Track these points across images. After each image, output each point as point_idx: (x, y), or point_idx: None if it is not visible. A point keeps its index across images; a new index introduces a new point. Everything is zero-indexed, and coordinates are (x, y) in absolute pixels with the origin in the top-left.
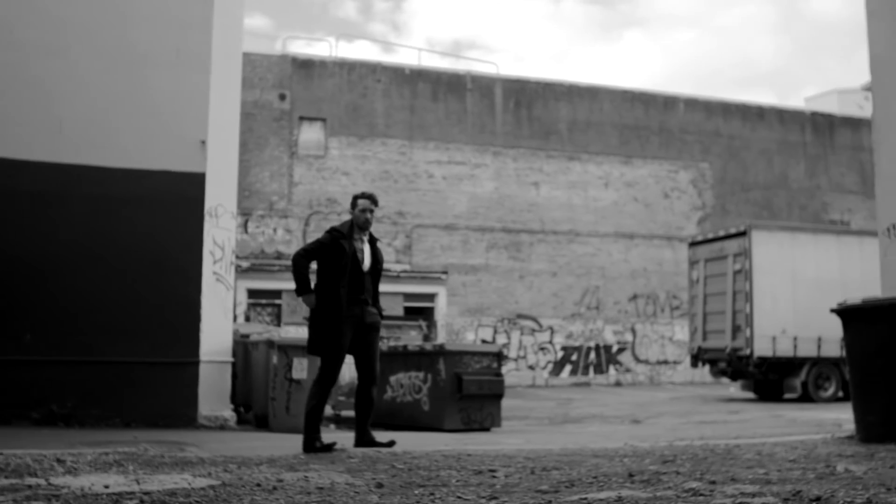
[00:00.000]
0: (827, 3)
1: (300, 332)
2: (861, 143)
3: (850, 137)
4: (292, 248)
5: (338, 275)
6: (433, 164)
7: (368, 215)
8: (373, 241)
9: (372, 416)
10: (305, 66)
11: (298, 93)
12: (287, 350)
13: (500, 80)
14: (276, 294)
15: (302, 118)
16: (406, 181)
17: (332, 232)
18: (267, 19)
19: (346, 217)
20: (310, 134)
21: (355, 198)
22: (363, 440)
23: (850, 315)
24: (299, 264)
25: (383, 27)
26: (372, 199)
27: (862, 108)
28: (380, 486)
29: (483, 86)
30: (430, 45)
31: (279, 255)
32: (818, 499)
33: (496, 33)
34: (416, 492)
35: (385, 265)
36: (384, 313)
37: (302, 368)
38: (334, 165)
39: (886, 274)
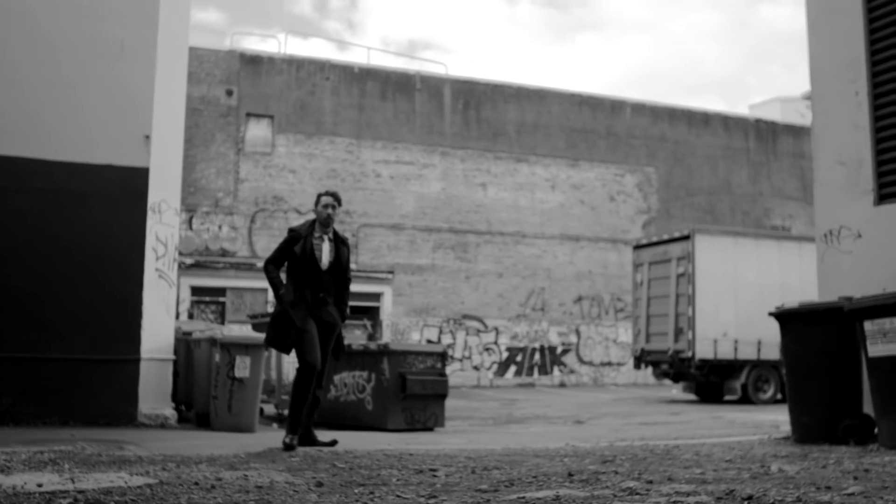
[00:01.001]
0: (776, 13)
1: (244, 331)
2: (802, 150)
3: (792, 145)
4: (237, 246)
5: (294, 274)
6: (381, 163)
7: (330, 211)
8: (337, 240)
9: (315, 415)
10: (253, 63)
11: (246, 89)
12: (230, 348)
13: (449, 81)
14: (221, 292)
15: (249, 115)
16: (353, 180)
17: (289, 232)
18: (221, 14)
19: (293, 216)
20: (257, 131)
21: (319, 195)
22: (306, 439)
23: (787, 318)
24: (268, 272)
25: (338, 25)
26: (335, 196)
27: (803, 117)
28: (319, 484)
29: (432, 86)
30: (385, 45)
31: (224, 253)
32: (750, 497)
33: (451, 34)
34: (356, 491)
35: None
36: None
37: (245, 367)
38: (281, 163)
39: (823, 278)
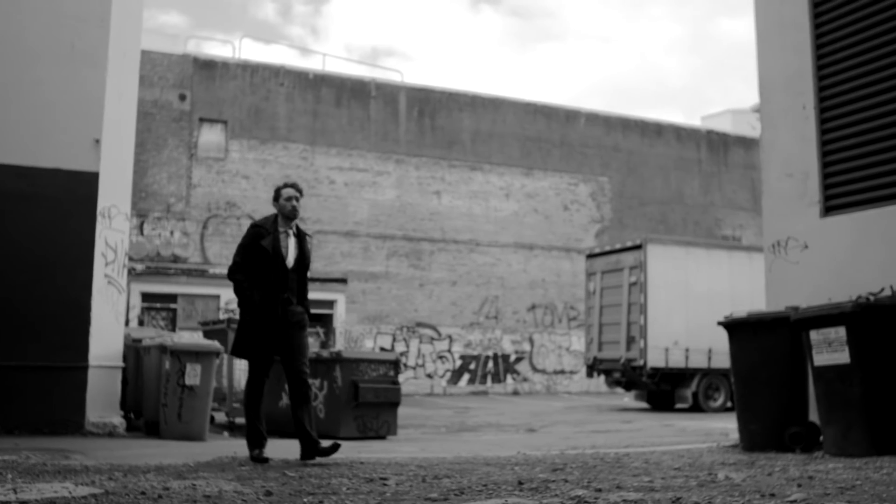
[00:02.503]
0: (735, 25)
1: (195, 338)
2: (753, 161)
3: (743, 156)
4: (189, 252)
5: (259, 274)
6: (335, 170)
7: (294, 203)
8: (300, 235)
9: (311, 419)
10: (207, 67)
11: (199, 94)
12: (180, 355)
13: (405, 89)
14: (172, 298)
15: (202, 119)
16: (307, 186)
17: (252, 228)
18: (183, 17)
19: (245, 222)
20: (210, 136)
21: (278, 189)
22: (310, 450)
23: (735, 327)
24: (237, 282)
25: (302, 31)
26: (296, 187)
27: (754, 129)
28: (269, 493)
29: (387, 93)
30: (348, 51)
31: (175, 259)
32: None
33: (415, 41)
34: (306, 500)
35: None
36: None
37: (195, 374)
38: (234, 168)
39: (771, 288)
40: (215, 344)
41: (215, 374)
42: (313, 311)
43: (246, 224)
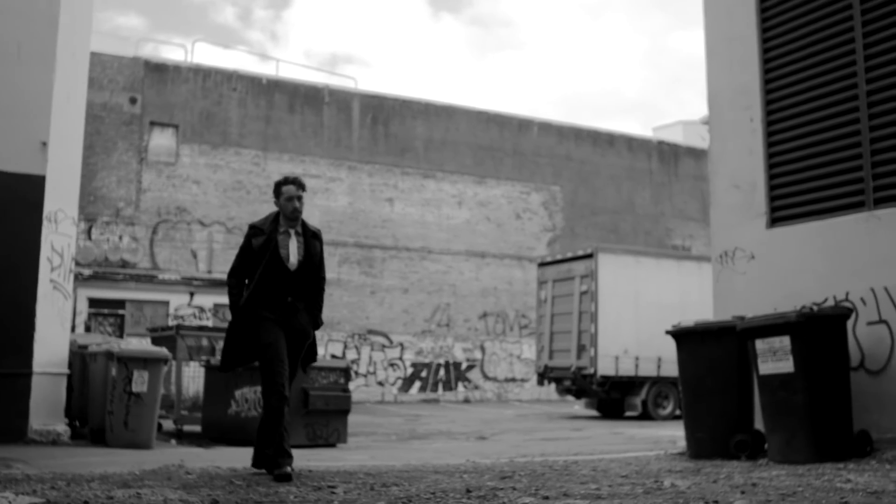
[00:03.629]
0: (691, 38)
1: (143, 344)
2: (703, 172)
3: (693, 167)
4: (138, 257)
5: (256, 278)
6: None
7: (297, 203)
8: (307, 234)
9: (286, 436)
10: (158, 70)
11: (150, 97)
12: (127, 362)
13: (358, 95)
14: (120, 304)
15: (153, 123)
16: (259, 192)
17: (249, 229)
18: (142, 19)
19: (196, 227)
20: (160, 140)
21: (278, 185)
22: (260, 460)
23: (683, 336)
24: (230, 287)
25: (261, 36)
26: (297, 183)
27: (704, 140)
28: (215, 502)
29: (340, 100)
30: (307, 57)
31: (124, 264)
32: None
33: (374, 48)
34: None
35: None
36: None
37: (143, 381)
38: (185, 173)
39: (718, 298)
40: (163, 351)
41: (163, 381)
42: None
43: (196, 230)
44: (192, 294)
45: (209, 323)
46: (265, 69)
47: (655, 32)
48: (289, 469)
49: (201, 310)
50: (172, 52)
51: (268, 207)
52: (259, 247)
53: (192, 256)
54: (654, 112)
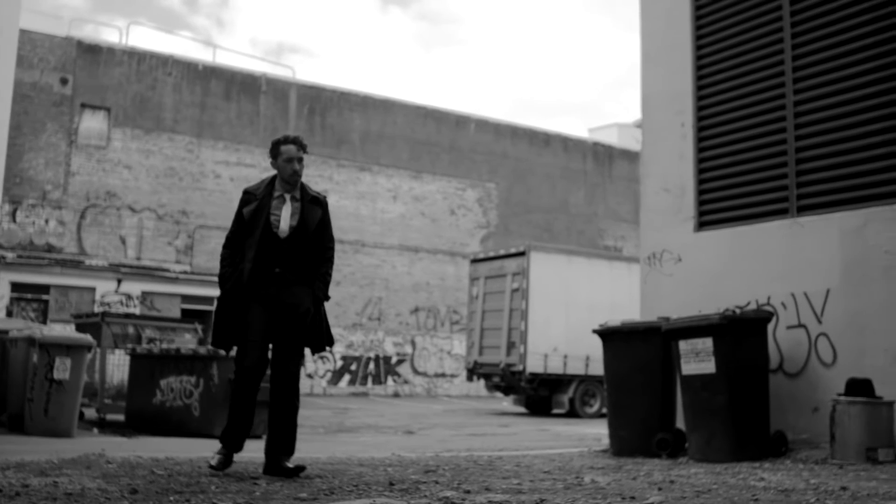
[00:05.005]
0: (637, 41)
1: (67, 331)
2: (636, 175)
3: (627, 169)
4: (65, 242)
5: (247, 246)
6: (221, 164)
7: (296, 166)
8: (306, 200)
9: (292, 431)
10: (91, 52)
11: (82, 79)
12: (49, 348)
13: (296, 85)
14: (44, 289)
15: (84, 105)
16: (192, 179)
17: (243, 195)
18: (85, 0)
19: (126, 213)
20: (91, 123)
21: (277, 144)
22: (271, 466)
23: (609, 336)
24: (221, 257)
25: (207, 22)
26: (298, 143)
27: (638, 143)
28: (134, 491)
29: (278, 89)
30: (252, 45)
31: (50, 248)
32: None
33: (321, 39)
34: (172, 498)
35: (164, 265)
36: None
37: (65, 368)
38: (116, 158)
39: (645, 299)
40: (87, 337)
41: (87, 369)
42: (194, 307)
43: (126, 215)
44: (119, 281)
45: (136, 311)
46: (208, 56)
47: (602, 34)
48: (214, 462)
49: (129, 297)
50: (112, 35)
51: (199, 195)
52: (250, 214)
53: (120, 242)
54: (598, 113)
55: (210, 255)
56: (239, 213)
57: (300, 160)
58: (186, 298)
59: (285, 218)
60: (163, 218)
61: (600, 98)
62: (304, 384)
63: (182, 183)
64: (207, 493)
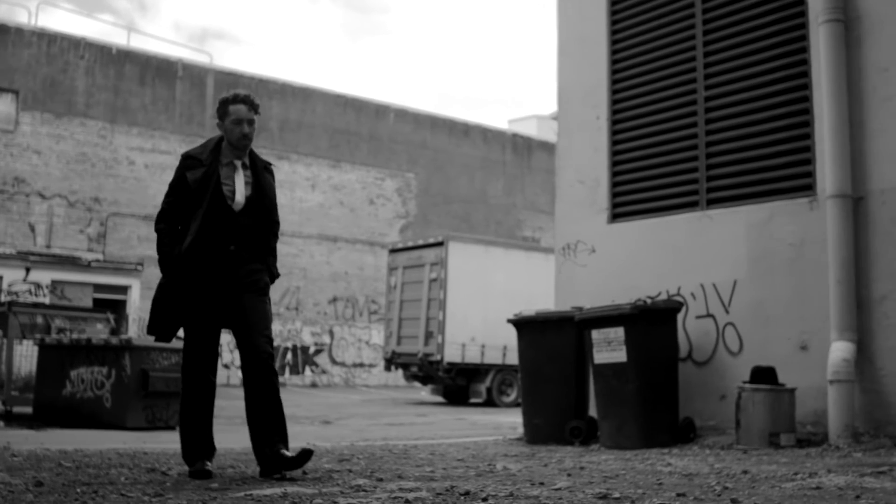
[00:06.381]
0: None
1: None
2: (554, 166)
3: (546, 160)
4: None
5: (193, 220)
6: (135, 150)
7: (247, 128)
8: (257, 167)
9: (280, 418)
10: None
11: None
12: None
13: (213, 71)
14: None
15: None
16: (104, 166)
17: (183, 159)
18: None
19: (35, 200)
20: None
21: (225, 103)
22: (268, 462)
23: (523, 325)
24: (157, 231)
25: (129, 5)
26: (249, 102)
27: (556, 134)
28: (39, 484)
29: (194, 75)
30: (176, 29)
31: None
32: (468, 493)
33: (247, 25)
34: (79, 490)
35: (76, 253)
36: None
37: None
38: (25, 142)
39: (560, 289)
40: None
41: None
42: (106, 296)
43: (35, 202)
44: (28, 269)
45: (46, 300)
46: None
47: (525, 26)
48: (198, 466)
49: (38, 286)
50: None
51: (113, 182)
52: (196, 182)
53: (29, 230)
54: (520, 106)
55: (123, 243)
56: (180, 180)
57: (251, 122)
58: (99, 288)
59: (240, 188)
60: (74, 205)
61: (524, 90)
62: (221, 374)
63: (94, 169)
64: (116, 484)
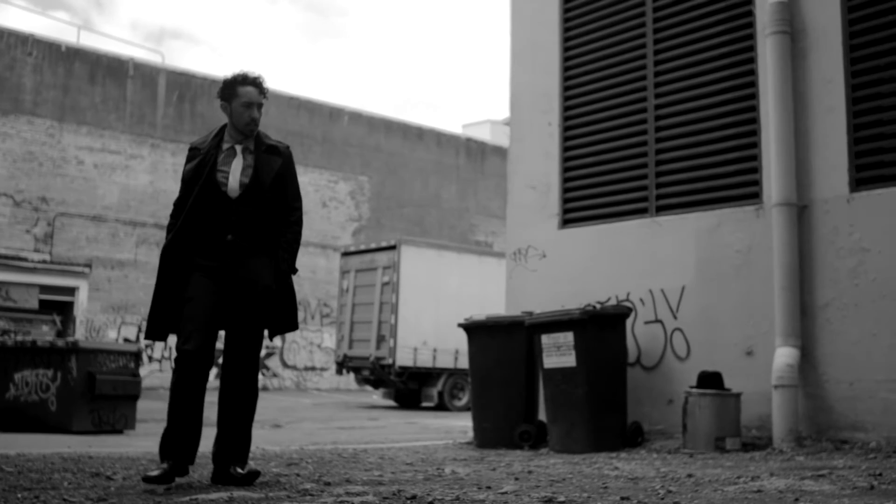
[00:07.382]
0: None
1: None
2: (507, 171)
3: (500, 165)
4: None
5: (190, 209)
6: (84, 149)
7: (256, 113)
8: (260, 151)
9: (246, 434)
10: None
11: None
12: None
13: (165, 71)
14: None
15: None
16: (52, 165)
17: (189, 151)
18: None
19: (3, 199)
20: None
21: (233, 84)
22: (220, 476)
23: (474, 330)
24: (168, 227)
25: (86, 3)
26: (257, 84)
27: (509, 140)
28: None
29: (146, 74)
30: (133, 28)
31: None
32: (414, 497)
33: (206, 25)
34: (20, 495)
35: (22, 253)
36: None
37: None
38: None
39: (511, 294)
40: None
41: None
42: (52, 298)
43: None
44: None
45: None
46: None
47: (484, 30)
48: (154, 473)
49: None
50: None
51: (61, 182)
52: (191, 171)
53: None
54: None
55: (72, 243)
56: (183, 173)
57: (260, 106)
58: (45, 289)
59: (235, 173)
60: (20, 204)
61: (479, 94)
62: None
63: (42, 168)
64: (59, 489)
